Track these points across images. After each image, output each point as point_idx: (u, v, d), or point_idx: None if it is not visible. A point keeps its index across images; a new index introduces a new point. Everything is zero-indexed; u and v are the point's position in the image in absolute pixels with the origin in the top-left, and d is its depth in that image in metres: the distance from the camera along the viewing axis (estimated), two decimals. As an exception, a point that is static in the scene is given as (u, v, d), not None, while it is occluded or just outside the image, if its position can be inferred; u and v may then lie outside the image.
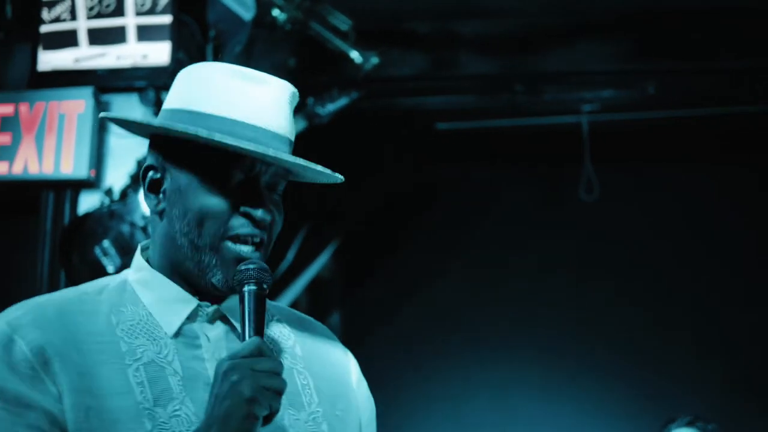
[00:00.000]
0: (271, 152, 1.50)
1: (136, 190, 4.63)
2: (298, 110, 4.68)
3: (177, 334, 1.54)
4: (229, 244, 1.52)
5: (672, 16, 4.68)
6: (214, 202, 1.51)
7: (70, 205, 4.79)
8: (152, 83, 4.70)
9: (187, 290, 1.56)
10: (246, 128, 1.51)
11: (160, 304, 1.56)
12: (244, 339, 1.46)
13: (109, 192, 4.68)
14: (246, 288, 1.48)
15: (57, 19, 4.86)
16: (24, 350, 1.45)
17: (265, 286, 1.49)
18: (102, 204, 4.65)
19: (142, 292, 1.57)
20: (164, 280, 1.57)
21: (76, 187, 4.79)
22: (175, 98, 1.58)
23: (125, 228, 4.56)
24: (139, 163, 4.67)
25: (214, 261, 1.52)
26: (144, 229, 4.55)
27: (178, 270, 1.56)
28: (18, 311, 1.51)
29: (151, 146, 1.60)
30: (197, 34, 4.76)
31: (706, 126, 5.07)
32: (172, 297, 1.56)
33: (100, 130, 4.79)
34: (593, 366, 5.02)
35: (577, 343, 5.10)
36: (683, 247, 5.14)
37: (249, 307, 1.47)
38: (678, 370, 4.94)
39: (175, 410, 1.47)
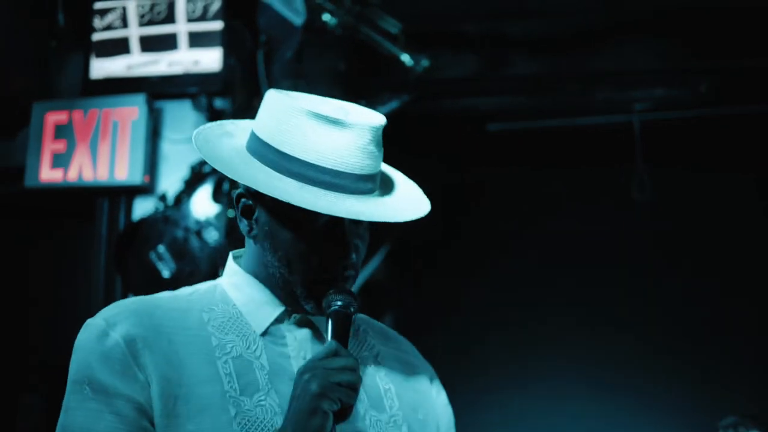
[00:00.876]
0: (343, 213, 1.54)
1: (189, 196, 4.66)
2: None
3: (265, 333, 1.62)
4: (319, 285, 1.59)
5: (723, 13, 4.62)
6: (301, 246, 1.59)
7: (125, 211, 4.83)
8: (204, 89, 4.73)
9: (274, 294, 1.65)
10: (332, 175, 1.57)
11: (251, 305, 1.65)
12: None
13: (163, 198, 4.71)
14: (330, 309, 1.56)
15: (109, 27, 4.90)
16: (117, 339, 1.53)
17: (351, 310, 1.56)
18: (156, 209, 4.68)
19: (234, 294, 1.67)
20: (256, 284, 1.66)
21: (130, 193, 4.84)
22: (263, 128, 1.63)
23: (179, 233, 4.59)
24: (193, 168, 4.69)
25: (305, 294, 1.61)
26: (198, 234, 4.57)
27: (271, 288, 1.65)
28: (114, 309, 1.60)
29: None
30: (248, 40, 4.78)
31: (759, 124, 5.01)
32: (262, 300, 1.65)
33: (153, 137, 4.83)
34: (650, 367, 4.97)
35: (631, 343, 5.05)
36: (740, 246, 5.08)
37: (332, 325, 1.55)
38: (741, 372, 4.87)
39: (260, 400, 1.54)
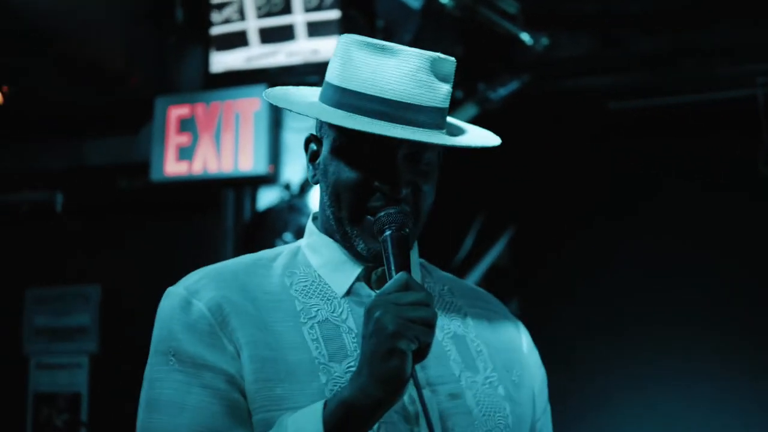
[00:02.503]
0: (379, 129, 1.49)
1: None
2: (470, 96, 4.69)
3: (347, 293, 1.57)
4: (369, 217, 1.53)
5: None
6: (348, 176, 1.53)
7: (251, 201, 4.89)
8: (324, 78, 4.74)
9: (350, 252, 1.59)
10: (377, 102, 1.51)
11: (328, 266, 1.59)
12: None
13: (287, 186, 4.75)
14: (384, 235, 1.48)
15: (227, 21, 4.96)
16: (202, 309, 1.49)
17: (406, 230, 1.49)
18: (281, 198, 4.73)
19: (312, 257, 1.61)
20: (332, 244, 1.60)
21: (255, 183, 4.90)
22: (329, 71, 1.62)
23: (305, 220, 4.59)
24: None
25: (355, 232, 1.54)
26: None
27: (333, 238, 1.60)
28: (194, 276, 1.56)
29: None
30: (365, 28, 4.78)
31: None
32: (338, 259, 1.59)
33: (276, 126, 4.88)
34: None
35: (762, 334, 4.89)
36: None
37: (389, 251, 1.47)
38: None
39: (350, 366, 1.48)
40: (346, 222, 1.54)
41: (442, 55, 1.56)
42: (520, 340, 1.73)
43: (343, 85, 1.54)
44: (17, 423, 5.56)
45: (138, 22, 5.08)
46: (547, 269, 5.07)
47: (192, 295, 1.51)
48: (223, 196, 4.98)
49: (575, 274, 5.07)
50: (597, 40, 4.87)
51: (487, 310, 1.73)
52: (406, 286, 1.38)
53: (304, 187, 4.70)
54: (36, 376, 5.60)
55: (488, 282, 4.97)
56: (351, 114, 1.51)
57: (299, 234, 4.60)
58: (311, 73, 4.79)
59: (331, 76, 1.59)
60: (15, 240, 5.73)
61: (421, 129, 1.51)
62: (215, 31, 4.97)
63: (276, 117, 4.88)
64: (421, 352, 1.35)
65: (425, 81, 1.53)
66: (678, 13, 4.77)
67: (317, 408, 1.37)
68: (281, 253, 1.65)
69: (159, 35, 5.12)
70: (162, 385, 1.47)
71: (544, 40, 4.65)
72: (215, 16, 4.97)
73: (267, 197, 4.85)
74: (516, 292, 5.03)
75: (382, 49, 1.54)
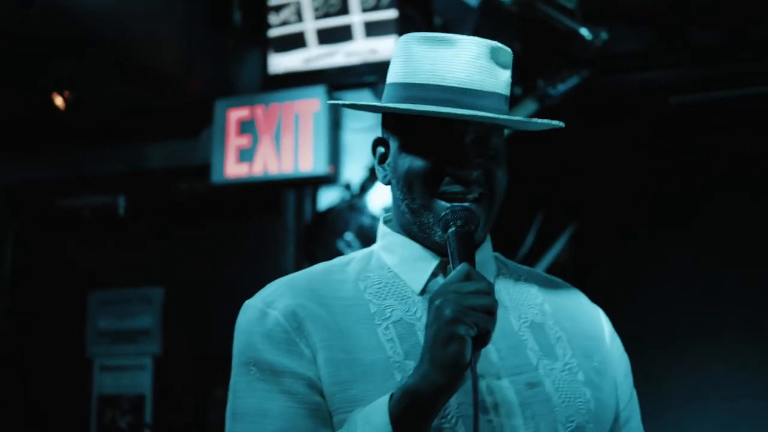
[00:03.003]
0: (446, 110, 1.50)
1: (374, 183, 4.70)
2: (530, 92, 4.67)
3: (423, 291, 1.57)
4: (441, 201, 1.54)
5: None
6: (418, 164, 1.55)
7: (311, 202, 4.91)
8: (382, 78, 4.74)
9: (429, 249, 1.60)
10: (440, 90, 1.54)
11: (404, 264, 1.60)
12: None
13: (347, 186, 4.77)
14: (449, 231, 1.51)
15: (284, 23, 4.99)
16: (277, 317, 1.51)
17: (472, 227, 1.51)
18: (342, 198, 4.74)
19: (387, 257, 1.62)
20: (406, 241, 1.61)
21: (315, 183, 4.92)
22: (390, 73, 1.64)
23: (366, 220, 4.64)
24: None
25: (431, 220, 1.55)
26: (385, 221, 4.61)
27: (409, 234, 1.61)
28: (269, 288, 1.58)
29: (382, 122, 1.68)
30: (422, 26, 4.78)
31: None
32: (415, 256, 1.60)
33: (335, 127, 4.90)
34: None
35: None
36: None
37: (453, 246, 1.49)
38: None
39: None
40: (421, 211, 1.55)
41: (499, 44, 1.58)
42: (601, 327, 1.73)
43: (406, 81, 1.57)
44: (81, 425, 5.64)
45: (197, 26, 5.12)
46: (608, 266, 5.03)
47: (267, 305, 1.53)
48: (284, 197, 5.00)
49: (636, 270, 5.03)
50: (656, 34, 4.83)
51: (566, 298, 1.72)
52: (468, 276, 1.39)
53: (364, 187, 4.71)
54: (100, 379, 5.67)
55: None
56: (415, 104, 1.53)
57: (360, 233, 4.64)
58: (369, 72, 4.81)
59: (393, 75, 1.62)
60: (78, 244, 5.81)
61: (485, 112, 1.53)
62: (273, 33, 5.00)
63: (335, 117, 4.90)
64: (482, 339, 1.36)
65: (486, 67, 1.55)
66: (738, 4, 4.72)
67: (384, 399, 1.38)
68: (354, 258, 1.66)
69: (218, 38, 5.15)
70: (244, 395, 1.49)
71: (604, 35, 4.62)
72: (273, 18, 5.00)
73: (327, 197, 4.87)
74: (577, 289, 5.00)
75: (441, 40, 1.57)
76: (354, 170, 4.82)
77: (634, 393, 1.74)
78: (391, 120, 1.62)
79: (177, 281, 5.51)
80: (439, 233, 1.54)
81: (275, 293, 1.55)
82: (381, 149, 1.65)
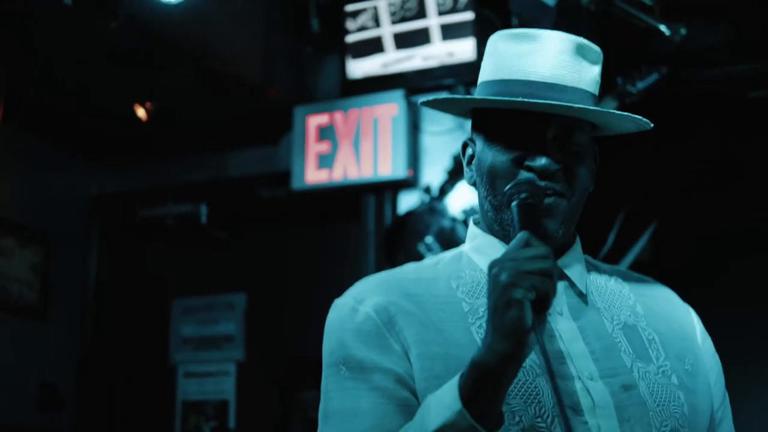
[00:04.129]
0: (520, 100, 1.51)
1: (453, 185, 4.70)
2: (609, 90, 4.63)
3: None
4: (517, 197, 1.53)
5: None
6: (499, 159, 1.56)
7: (391, 206, 4.93)
8: (460, 80, 4.77)
9: None
10: (522, 85, 1.55)
11: None
12: None
13: (427, 189, 4.77)
14: (512, 205, 1.51)
15: (362, 28, 5.02)
16: (368, 312, 1.52)
17: (536, 200, 1.50)
18: (421, 201, 4.75)
19: (478, 258, 1.63)
20: (496, 242, 1.62)
21: (395, 187, 4.94)
22: (480, 74, 1.66)
23: (446, 222, 4.64)
24: (455, 158, 4.75)
25: (511, 218, 1.53)
26: (465, 223, 4.61)
27: (494, 233, 1.62)
28: (360, 286, 1.60)
29: (474, 117, 1.70)
30: (499, 27, 4.78)
31: None
32: None
33: (414, 131, 4.91)
34: None
35: None
36: None
37: (516, 218, 1.49)
38: None
39: None
40: (501, 208, 1.56)
41: (586, 41, 1.59)
42: (693, 327, 1.71)
43: (492, 78, 1.59)
44: (166, 430, 5.72)
45: (275, 34, 5.18)
46: (691, 265, 4.95)
47: (358, 302, 1.54)
48: (364, 201, 5.02)
49: (720, 270, 4.95)
50: (735, 28, 4.77)
51: (658, 298, 1.71)
52: (527, 243, 1.37)
53: (444, 190, 4.71)
54: (184, 385, 5.75)
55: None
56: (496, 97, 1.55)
57: (440, 236, 4.64)
58: (447, 75, 4.82)
59: (482, 74, 1.64)
60: (162, 252, 5.92)
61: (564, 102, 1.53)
62: (351, 38, 5.04)
63: (414, 121, 4.92)
64: (542, 302, 1.33)
65: (569, 62, 1.55)
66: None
67: (455, 379, 1.37)
68: (443, 258, 1.67)
69: (296, 45, 5.20)
70: (334, 395, 1.50)
71: (683, 30, 4.56)
72: (350, 24, 5.04)
73: (407, 201, 4.88)
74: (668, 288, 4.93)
75: (524, 36, 1.58)
76: (433, 173, 4.83)
77: (727, 395, 1.72)
78: (479, 118, 1.64)
79: (259, 287, 5.58)
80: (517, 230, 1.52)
81: (366, 291, 1.56)
82: (469, 151, 1.67)
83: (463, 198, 4.67)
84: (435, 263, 1.65)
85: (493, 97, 1.56)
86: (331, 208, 5.25)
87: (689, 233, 4.97)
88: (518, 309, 1.30)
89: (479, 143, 1.62)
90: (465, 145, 1.68)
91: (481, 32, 4.79)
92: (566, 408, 1.40)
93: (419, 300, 1.54)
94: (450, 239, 4.61)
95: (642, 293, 1.69)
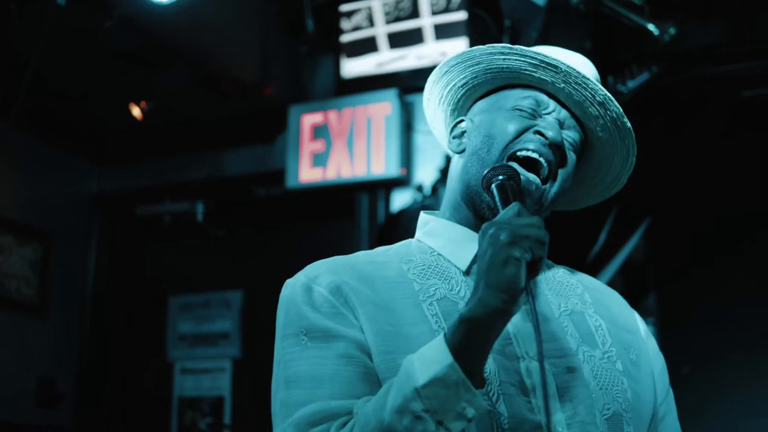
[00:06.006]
0: (572, 68, 1.59)
1: (445, 184, 4.73)
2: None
3: (468, 271, 1.61)
4: (510, 157, 1.60)
5: None
6: (511, 122, 1.62)
7: (384, 204, 4.96)
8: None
9: (474, 230, 1.62)
10: (557, 64, 1.60)
11: (450, 245, 1.64)
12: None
13: (420, 188, 4.81)
14: (492, 187, 1.53)
15: (356, 28, 5.06)
16: (322, 292, 1.53)
17: (516, 181, 1.53)
18: (414, 200, 4.79)
19: (430, 240, 1.67)
20: (451, 224, 1.66)
21: (388, 186, 4.98)
22: None
23: (439, 221, 4.67)
24: (448, 157, 4.78)
25: (493, 171, 1.55)
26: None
27: (467, 196, 1.64)
28: (312, 267, 1.61)
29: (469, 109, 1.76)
30: (492, 27, 4.82)
31: None
32: (460, 237, 1.64)
33: (407, 129, 4.95)
34: None
35: None
36: None
37: (498, 195, 1.51)
38: None
39: None
40: (490, 165, 1.58)
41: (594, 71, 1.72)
42: (637, 324, 1.74)
43: (524, 49, 1.64)
44: (163, 426, 5.76)
45: (271, 34, 5.22)
46: (684, 262, 4.98)
47: (311, 280, 1.56)
48: (357, 199, 5.06)
49: (713, 267, 4.97)
50: (727, 27, 4.79)
51: (605, 293, 1.76)
52: (519, 213, 1.40)
53: (436, 188, 4.75)
54: (180, 381, 5.79)
55: (625, 276, 4.92)
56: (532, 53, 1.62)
57: (433, 234, 4.65)
58: (440, 74, 4.84)
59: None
60: (159, 250, 5.97)
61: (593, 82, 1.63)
62: (345, 38, 5.08)
63: (407, 120, 4.96)
64: (535, 266, 1.36)
65: (592, 71, 1.70)
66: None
67: (438, 338, 1.38)
68: (392, 247, 1.70)
69: (291, 45, 5.24)
70: (298, 363, 1.50)
71: (672, 30, 4.59)
72: (345, 24, 5.08)
73: (400, 199, 4.92)
74: (653, 287, 4.96)
75: (558, 51, 1.71)
76: (426, 172, 4.87)
77: (671, 391, 1.75)
78: (490, 98, 1.71)
79: (255, 284, 5.62)
80: (499, 180, 1.55)
81: (317, 270, 1.58)
82: (461, 126, 1.72)
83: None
84: (385, 250, 1.68)
85: (545, 57, 1.62)
86: (325, 206, 5.29)
87: (682, 231, 4.99)
88: (516, 267, 1.33)
89: (482, 113, 1.69)
90: (457, 123, 1.73)
91: (474, 32, 4.83)
92: (511, 386, 1.46)
93: (370, 280, 1.56)
94: (442, 237, 4.65)
95: (589, 286, 1.74)
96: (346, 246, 5.11)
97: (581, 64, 1.67)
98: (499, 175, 1.53)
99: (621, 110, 1.63)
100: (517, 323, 1.55)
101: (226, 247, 5.74)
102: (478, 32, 4.83)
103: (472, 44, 4.75)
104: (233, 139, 5.53)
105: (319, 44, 5.15)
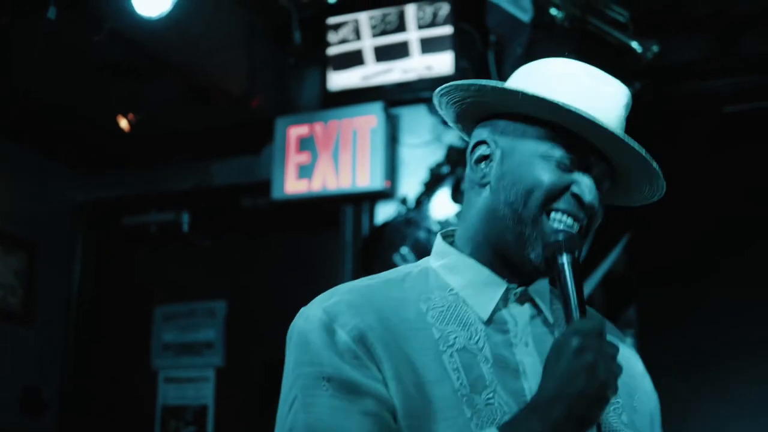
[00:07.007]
0: (619, 131, 1.50)
1: (429, 197, 4.78)
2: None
3: (489, 320, 1.53)
4: (549, 221, 1.50)
5: None
6: (549, 176, 1.51)
7: (368, 216, 5.00)
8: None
9: (497, 273, 1.56)
10: (591, 123, 1.49)
11: (471, 288, 1.55)
12: (570, 313, 1.42)
13: (404, 201, 4.85)
14: (562, 259, 1.45)
15: (343, 41, 5.10)
16: (346, 340, 1.45)
17: (576, 254, 1.46)
18: (398, 213, 4.83)
19: (450, 277, 1.57)
20: (473, 263, 1.57)
21: (372, 198, 5.01)
22: (522, 83, 1.57)
23: (422, 234, 4.71)
24: (432, 170, 4.82)
25: (534, 234, 1.50)
26: (440, 234, 4.68)
27: (495, 244, 1.55)
28: (330, 299, 1.51)
29: (483, 124, 1.62)
30: (478, 41, 4.87)
31: None
32: (482, 280, 1.55)
33: (392, 143, 4.99)
34: None
35: None
36: None
37: (569, 279, 1.44)
38: None
39: (489, 398, 1.45)
40: (528, 222, 1.51)
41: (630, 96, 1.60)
42: (636, 363, 1.73)
43: (569, 103, 1.49)
44: (147, 435, 5.78)
45: (258, 46, 5.25)
46: (665, 275, 5.03)
47: (332, 320, 1.47)
48: (342, 211, 5.10)
49: (694, 280, 5.01)
50: (711, 43, 4.85)
51: (610, 332, 1.64)
52: (601, 331, 1.38)
53: (420, 201, 4.79)
54: (164, 390, 5.80)
55: (605, 290, 4.96)
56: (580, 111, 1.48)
57: (415, 247, 4.71)
58: (426, 88, 4.89)
59: (550, 92, 1.52)
60: (144, 259, 5.99)
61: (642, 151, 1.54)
62: (332, 51, 5.11)
63: (392, 133, 4.99)
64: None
65: (623, 116, 1.57)
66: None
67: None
68: (410, 273, 1.61)
69: (278, 57, 5.27)
70: (320, 410, 1.42)
71: (655, 48, 4.65)
72: (332, 37, 5.11)
73: (384, 212, 4.95)
74: (634, 300, 5.01)
75: (599, 77, 1.56)
76: (410, 185, 4.90)
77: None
78: (516, 125, 1.57)
79: (239, 295, 5.64)
80: (538, 251, 1.50)
81: (338, 306, 1.49)
82: (483, 150, 1.59)
83: (438, 210, 4.75)
84: (402, 278, 1.58)
85: (582, 112, 1.49)
86: (310, 218, 5.32)
87: (663, 244, 5.04)
88: (602, 408, 1.35)
89: (515, 149, 1.56)
90: (478, 144, 1.60)
91: (460, 45, 4.87)
92: None
93: (391, 324, 1.48)
94: (425, 250, 4.66)
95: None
96: (330, 257, 5.16)
97: (617, 104, 1.56)
98: (568, 247, 1.46)
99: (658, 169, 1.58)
100: (533, 377, 1.52)
101: (211, 257, 5.76)
102: (463, 46, 4.88)
103: (457, 58, 4.80)
104: (220, 150, 5.55)
105: (305, 57, 5.17)
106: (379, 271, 1.64)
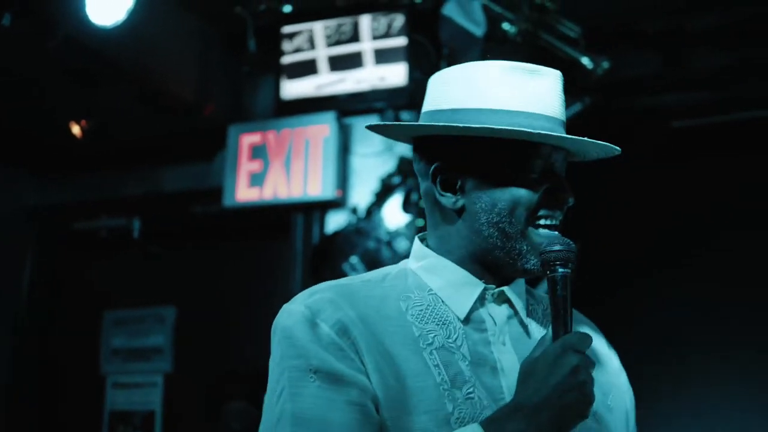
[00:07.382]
0: (569, 138, 1.57)
1: (380, 207, 4.80)
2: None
3: (466, 319, 1.58)
4: (536, 231, 1.57)
5: None
6: (525, 192, 1.56)
7: (319, 225, 5.01)
8: (391, 104, 4.88)
9: (474, 275, 1.61)
10: (545, 120, 1.57)
11: (450, 288, 1.60)
12: (566, 326, 1.46)
13: (354, 210, 4.87)
14: (559, 272, 1.49)
15: (297, 50, 5.11)
16: (329, 332, 1.49)
17: (570, 265, 1.50)
18: (349, 222, 4.85)
19: (429, 278, 1.63)
20: (452, 265, 1.62)
21: (323, 207, 5.03)
22: (441, 99, 1.62)
23: (371, 244, 4.74)
24: (383, 180, 4.84)
25: (525, 247, 1.56)
26: (389, 244, 4.70)
27: (482, 258, 1.60)
28: (315, 296, 1.55)
29: (422, 149, 1.66)
30: (431, 54, 4.90)
31: None
32: (459, 281, 1.61)
33: (344, 152, 5.00)
34: None
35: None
36: None
37: (563, 293, 1.48)
38: None
39: (469, 392, 1.50)
40: (517, 237, 1.56)
41: (559, 72, 1.66)
42: (612, 359, 1.76)
43: (511, 108, 1.56)
44: (94, 440, 5.75)
45: (212, 53, 5.25)
46: (612, 288, 5.08)
47: (315, 314, 1.51)
48: (293, 220, 5.11)
49: (640, 293, 5.07)
50: (661, 59, 4.92)
51: (582, 329, 1.71)
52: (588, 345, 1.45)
53: (371, 211, 4.81)
54: (112, 395, 5.78)
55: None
56: (533, 130, 1.54)
57: (365, 257, 4.73)
58: (378, 99, 4.92)
59: (491, 102, 1.58)
60: (94, 265, 5.95)
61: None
62: (286, 60, 5.12)
63: (344, 143, 5.01)
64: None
65: (561, 98, 1.65)
66: (742, 29, 4.80)
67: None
68: (389, 273, 1.66)
69: (232, 65, 5.27)
70: (306, 400, 1.47)
71: (605, 64, 4.70)
72: (286, 46, 5.12)
73: (335, 221, 4.98)
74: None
75: (533, 71, 1.61)
76: (361, 194, 4.93)
77: (636, 428, 1.77)
78: (467, 148, 1.60)
79: (189, 301, 5.63)
80: (533, 261, 1.55)
81: (319, 302, 1.53)
82: (446, 175, 1.62)
83: (388, 220, 4.78)
84: (381, 278, 1.63)
85: (553, 141, 1.57)
86: (261, 226, 5.32)
87: (611, 255, 5.09)
88: (582, 421, 1.45)
89: (479, 172, 1.59)
90: (437, 171, 1.62)
91: (414, 57, 4.90)
92: None
93: (373, 321, 1.52)
94: (374, 260, 4.71)
95: (575, 319, 1.69)
96: (281, 265, 5.17)
97: (556, 92, 1.64)
98: (562, 260, 1.49)
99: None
100: (510, 373, 1.56)
101: (161, 263, 5.73)
102: (417, 58, 4.91)
103: (411, 70, 4.83)
104: (172, 157, 5.54)
105: (260, 65, 5.17)
106: (329, 280, 1.64)
